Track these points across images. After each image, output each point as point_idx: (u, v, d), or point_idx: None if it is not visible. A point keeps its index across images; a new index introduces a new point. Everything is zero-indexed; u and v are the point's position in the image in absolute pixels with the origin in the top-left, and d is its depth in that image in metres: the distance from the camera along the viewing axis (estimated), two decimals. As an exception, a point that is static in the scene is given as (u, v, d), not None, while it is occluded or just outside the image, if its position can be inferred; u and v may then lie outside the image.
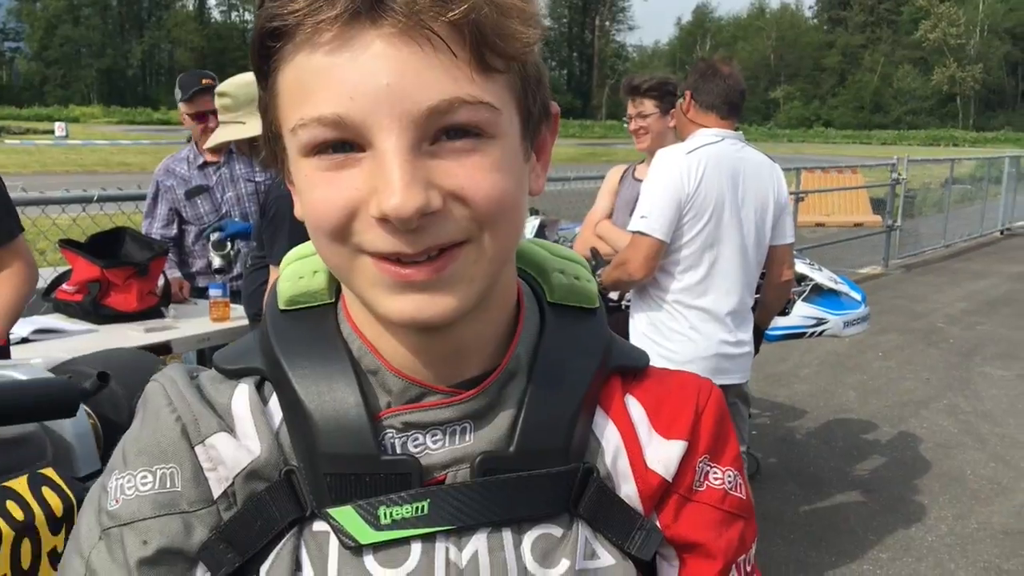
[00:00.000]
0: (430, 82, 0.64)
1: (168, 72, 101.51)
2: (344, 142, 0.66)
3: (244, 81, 3.52)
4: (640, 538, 0.78)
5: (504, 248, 0.71)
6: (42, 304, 3.95)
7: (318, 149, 0.66)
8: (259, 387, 0.79)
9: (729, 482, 0.82)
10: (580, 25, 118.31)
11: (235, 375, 0.80)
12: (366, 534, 0.72)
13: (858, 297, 5.45)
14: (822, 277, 5.46)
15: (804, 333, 5.25)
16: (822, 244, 12.67)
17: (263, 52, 0.69)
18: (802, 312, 5.21)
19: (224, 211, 4.42)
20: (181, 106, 4.40)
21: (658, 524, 0.80)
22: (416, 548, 0.73)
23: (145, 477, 0.75)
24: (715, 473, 0.82)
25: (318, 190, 0.67)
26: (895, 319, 9.08)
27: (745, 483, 0.85)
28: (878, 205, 16.14)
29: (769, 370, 7.05)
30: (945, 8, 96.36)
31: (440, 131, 0.65)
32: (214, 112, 4.25)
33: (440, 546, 0.74)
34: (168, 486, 0.75)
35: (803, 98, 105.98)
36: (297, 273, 0.83)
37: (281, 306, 0.82)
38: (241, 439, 0.76)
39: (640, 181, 3.76)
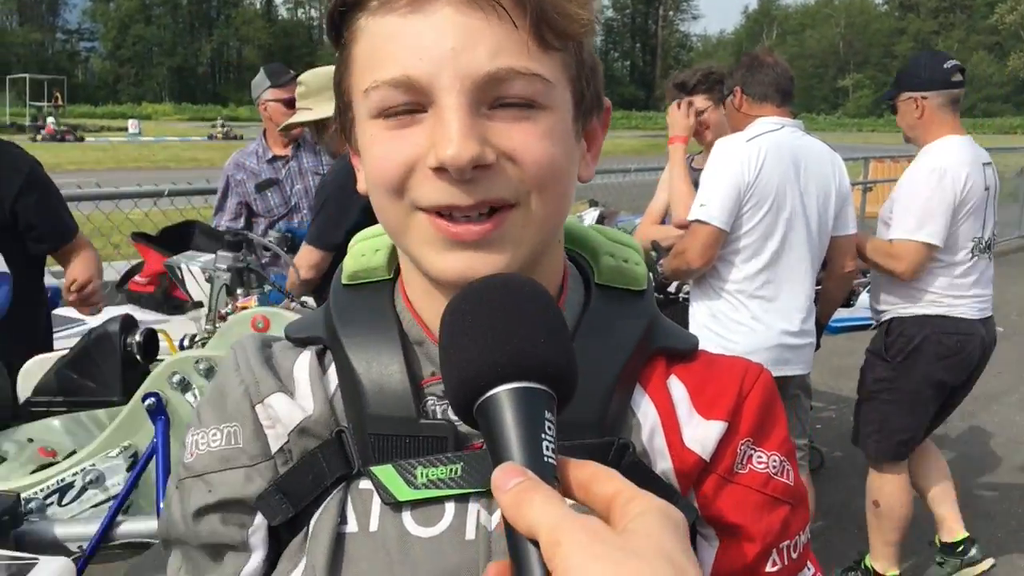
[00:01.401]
0: (491, 50, 0.69)
1: (236, 69, 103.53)
2: (410, 105, 0.71)
3: (318, 72, 3.72)
4: None
5: (551, 215, 0.75)
6: (116, 295, 4.09)
7: (386, 111, 0.72)
8: (320, 355, 0.87)
9: (774, 466, 0.83)
10: (644, 16, 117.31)
11: (301, 343, 0.88)
12: (403, 491, 0.77)
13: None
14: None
15: (869, 325, 5.15)
16: (891, 235, 12.36)
17: (337, 21, 0.76)
18: (866, 303, 5.11)
19: (293, 203, 4.51)
20: (269, 92, 4.50)
21: (694, 503, 0.82)
22: (450, 508, 0.78)
23: (215, 434, 0.84)
24: (759, 456, 0.83)
25: (380, 146, 0.73)
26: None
27: (795, 470, 0.85)
28: (951, 195, 15.69)
29: (835, 363, 6.93)
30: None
31: (497, 100, 0.70)
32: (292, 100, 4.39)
33: (472, 507, 0.78)
34: (232, 443, 0.83)
35: (873, 86, 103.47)
36: (361, 251, 0.89)
37: (344, 281, 0.89)
38: (297, 399, 0.83)
39: (699, 171, 3.73)
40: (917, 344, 3.52)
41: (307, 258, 3.31)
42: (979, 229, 3.49)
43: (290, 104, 4.40)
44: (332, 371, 0.85)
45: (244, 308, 2.66)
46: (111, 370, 2.35)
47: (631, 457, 0.79)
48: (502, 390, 0.59)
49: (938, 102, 3.48)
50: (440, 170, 0.69)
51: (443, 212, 0.72)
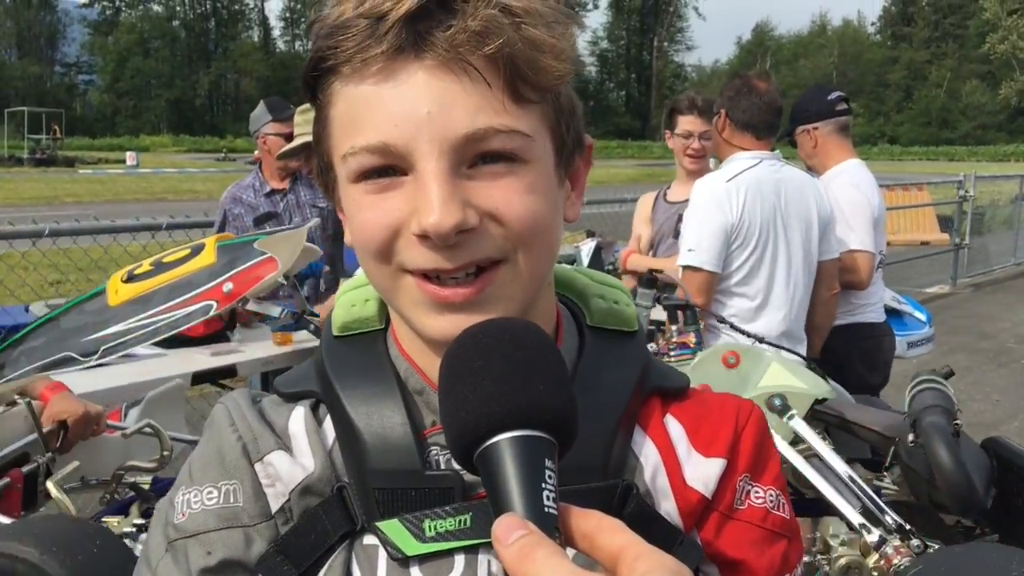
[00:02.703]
0: (467, 111, 0.69)
1: (234, 101, 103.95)
2: (388, 168, 0.71)
3: None
4: (680, 554, 0.79)
5: (539, 268, 0.76)
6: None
7: (365, 175, 0.72)
8: (315, 409, 0.85)
9: (771, 501, 0.84)
10: (639, 46, 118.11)
11: (293, 398, 0.86)
12: (412, 546, 0.75)
13: (922, 318, 5.34)
14: (888, 297, 5.36)
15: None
16: (888, 263, 12.33)
17: (312, 84, 0.76)
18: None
19: (288, 236, 4.52)
20: (270, 126, 4.50)
21: (698, 541, 0.82)
22: (460, 560, 0.77)
23: (211, 492, 0.80)
24: (756, 492, 0.83)
25: (364, 213, 0.73)
26: (964, 339, 8.86)
27: (788, 503, 0.86)
28: (945, 223, 15.77)
29: (832, 392, 6.92)
30: (1013, 20, 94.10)
31: (477, 156, 0.71)
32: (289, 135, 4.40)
33: (483, 558, 0.77)
34: (231, 501, 0.80)
35: (867, 115, 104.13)
36: (350, 302, 0.88)
37: (335, 332, 0.87)
38: (297, 456, 0.81)
39: (673, 204, 3.75)
40: (845, 354, 3.58)
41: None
42: (881, 242, 3.78)
43: (290, 138, 4.44)
44: (327, 425, 0.84)
45: None
46: None
47: (636, 499, 0.79)
48: (502, 438, 0.58)
49: (828, 130, 3.75)
50: (424, 237, 0.70)
51: (430, 275, 0.72)
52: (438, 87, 0.69)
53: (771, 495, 0.84)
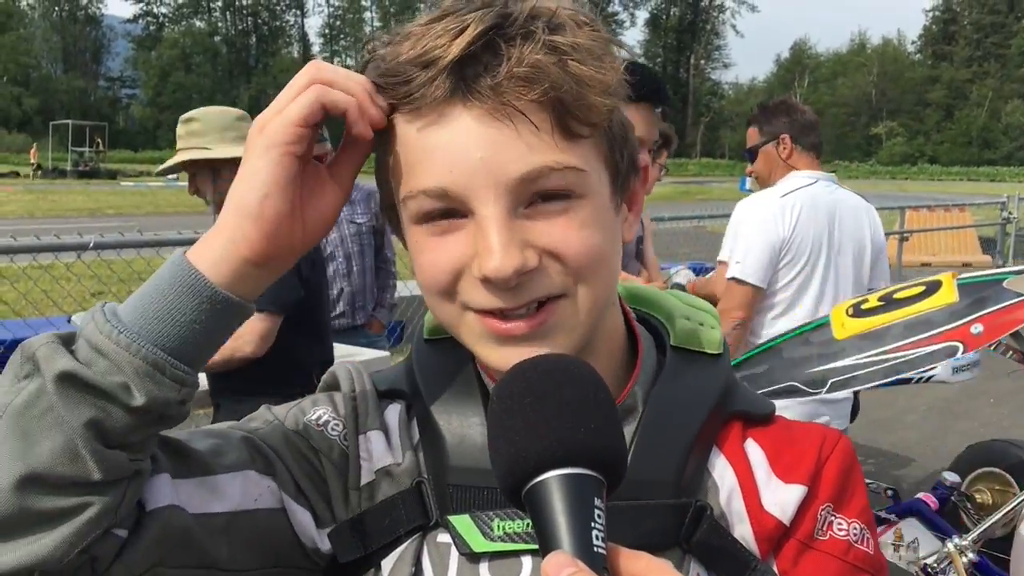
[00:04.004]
0: (519, 153, 0.70)
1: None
2: (449, 210, 0.73)
3: (211, 110, 3.37)
4: None
5: (599, 299, 0.77)
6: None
7: (426, 217, 0.74)
8: (408, 407, 0.90)
9: (855, 534, 0.82)
10: (675, 64, 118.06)
11: (386, 396, 0.91)
12: (479, 542, 0.78)
13: (966, 341, 5.24)
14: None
15: (911, 379, 5.07)
16: (928, 285, 12.21)
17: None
18: (907, 356, 5.04)
19: (328, 252, 4.54)
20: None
21: (774, 569, 0.81)
22: (527, 563, 0.78)
23: (335, 420, 0.87)
24: (839, 523, 0.82)
25: (427, 254, 0.75)
26: (1007, 363, 8.68)
27: (874, 539, 0.84)
28: (988, 244, 15.57)
29: (873, 415, 6.83)
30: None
31: (534, 195, 0.72)
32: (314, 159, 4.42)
33: None
34: (342, 437, 0.87)
35: (906, 134, 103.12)
36: None
37: (426, 335, 0.92)
38: (391, 444, 0.86)
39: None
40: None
41: (256, 329, 2.90)
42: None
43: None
44: (414, 425, 0.88)
45: None
46: None
47: (709, 519, 0.78)
48: (551, 476, 0.58)
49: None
50: (486, 280, 0.72)
51: (493, 312, 0.74)
52: (487, 133, 0.70)
53: (855, 528, 0.82)
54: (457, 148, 0.71)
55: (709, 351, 0.88)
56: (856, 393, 3.48)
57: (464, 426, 0.82)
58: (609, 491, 0.60)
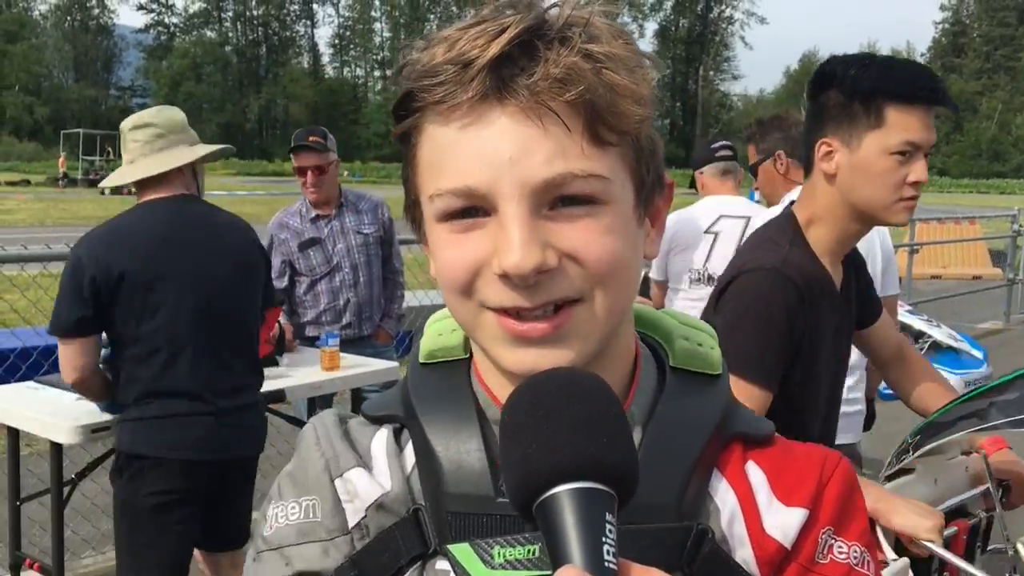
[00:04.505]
0: (547, 156, 0.71)
1: (283, 126, 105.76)
2: (472, 209, 0.74)
3: (164, 109, 3.22)
4: None
5: (616, 307, 0.77)
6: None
7: (450, 215, 0.75)
8: (397, 433, 0.88)
9: (855, 558, 0.81)
10: (684, 75, 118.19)
11: (377, 421, 0.90)
12: (480, 571, 0.75)
13: (979, 356, 5.23)
14: (941, 334, 5.25)
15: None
16: (939, 297, 12.20)
17: (401, 118, 0.79)
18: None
19: (335, 262, 4.55)
20: (292, 157, 4.58)
21: None
22: None
23: (294, 507, 0.85)
24: (840, 547, 0.81)
25: (449, 251, 0.76)
26: (1018, 377, 8.64)
27: (875, 561, 0.83)
28: (998, 257, 15.51)
29: (883, 429, 6.77)
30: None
31: (556, 199, 0.73)
32: (314, 168, 4.41)
33: None
34: (311, 516, 0.84)
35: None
36: (438, 331, 0.92)
37: (421, 360, 0.91)
38: (376, 476, 0.84)
39: None
40: None
41: (61, 356, 2.93)
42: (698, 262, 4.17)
43: (301, 172, 4.51)
44: (409, 449, 0.86)
45: None
46: None
47: (711, 543, 0.77)
48: (563, 490, 0.58)
49: (712, 172, 4.37)
50: (504, 276, 0.72)
51: (510, 311, 0.74)
52: (520, 133, 0.71)
53: (855, 551, 0.81)
54: (488, 147, 0.72)
55: (709, 372, 0.87)
56: (872, 402, 3.46)
57: (462, 452, 0.81)
58: (620, 506, 0.60)
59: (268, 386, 3.72)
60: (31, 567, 3.76)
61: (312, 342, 4.54)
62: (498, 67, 0.71)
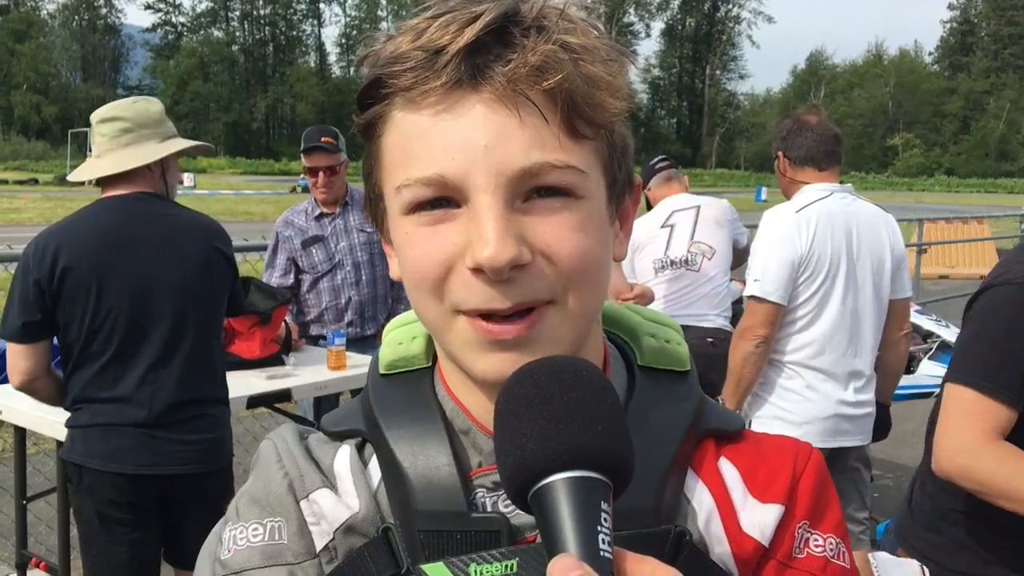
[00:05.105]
0: (523, 145, 0.69)
1: (290, 125, 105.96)
2: (442, 199, 0.71)
3: (137, 105, 3.01)
4: None
5: (588, 308, 0.75)
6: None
7: (419, 207, 0.72)
8: (360, 448, 0.84)
9: (831, 550, 0.80)
10: (690, 75, 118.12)
11: (338, 437, 0.86)
12: None
13: (988, 356, 5.19)
14: (950, 334, 5.24)
15: (931, 393, 5.03)
16: (947, 297, 12.17)
17: (365, 107, 0.76)
18: (929, 371, 5.00)
19: (337, 260, 4.54)
20: (303, 157, 4.56)
21: None
22: None
23: (256, 529, 0.80)
24: (816, 540, 0.80)
25: (418, 247, 0.72)
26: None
27: (848, 552, 0.82)
28: (1006, 257, 15.43)
29: (893, 429, 6.77)
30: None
31: (531, 190, 0.70)
32: (326, 168, 4.40)
33: None
34: (276, 538, 0.79)
35: (923, 145, 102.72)
36: (397, 339, 0.88)
37: (381, 371, 0.87)
38: (342, 496, 0.80)
39: None
40: None
41: (8, 360, 2.81)
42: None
43: (313, 172, 4.48)
44: (373, 465, 0.83)
45: None
46: None
47: (689, 546, 0.76)
48: (558, 479, 0.58)
49: (657, 182, 4.77)
50: (477, 270, 0.69)
51: (482, 314, 0.71)
52: (495, 120, 0.69)
53: (831, 543, 0.81)
54: (462, 134, 0.69)
55: (678, 369, 0.86)
56: (887, 408, 3.44)
57: (431, 467, 0.77)
58: (616, 495, 0.60)
59: (274, 385, 3.71)
60: (37, 566, 3.76)
61: (317, 341, 4.53)
62: (472, 54, 0.68)
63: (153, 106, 2.99)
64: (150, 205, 2.90)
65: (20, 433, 3.78)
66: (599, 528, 0.56)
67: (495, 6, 0.70)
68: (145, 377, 2.78)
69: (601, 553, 0.55)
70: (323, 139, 4.46)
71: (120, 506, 2.82)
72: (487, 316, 0.71)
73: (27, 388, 2.85)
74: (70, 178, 3.18)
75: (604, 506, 0.57)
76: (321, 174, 4.45)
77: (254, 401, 3.63)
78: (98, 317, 2.74)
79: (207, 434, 2.91)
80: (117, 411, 2.77)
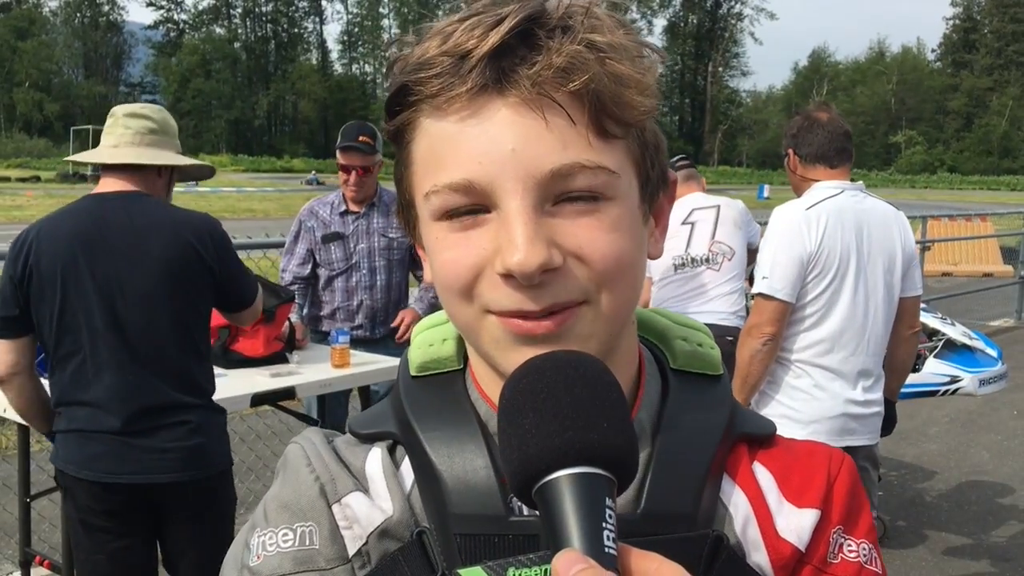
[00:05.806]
0: (551, 148, 0.68)
1: (292, 122, 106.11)
2: (472, 206, 0.70)
3: (162, 109, 3.07)
4: None
5: (621, 308, 0.74)
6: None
7: (448, 214, 0.71)
8: (391, 451, 0.83)
9: (864, 555, 0.80)
10: (693, 71, 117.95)
11: (368, 439, 0.84)
12: None
13: (994, 354, 5.18)
14: (956, 332, 5.21)
15: (937, 391, 5.02)
16: (950, 295, 12.15)
17: (394, 118, 0.75)
18: (934, 369, 4.98)
19: (354, 261, 4.51)
20: (337, 154, 4.49)
21: None
22: None
23: (286, 534, 0.78)
24: (849, 545, 0.80)
25: (448, 252, 0.72)
26: (1031, 376, 8.58)
27: (879, 556, 0.82)
28: (1009, 254, 15.44)
29: (897, 427, 6.76)
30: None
31: (561, 193, 0.69)
32: (360, 168, 4.36)
33: None
34: (307, 543, 0.77)
35: (926, 142, 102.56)
36: (427, 341, 0.87)
37: (412, 373, 0.86)
38: (375, 499, 0.79)
39: None
40: None
41: None
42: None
43: (346, 170, 4.44)
44: (405, 467, 0.81)
45: None
46: None
47: (727, 550, 0.75)
48: (563, 474, 0.57)
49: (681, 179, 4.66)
50: (508, 276, 0.68)
51: (514, 314, 0.71)
52: (522, 124, 0.68)
53: (864, 548, 0.80)
54: (489, 139, 0.68)
55: (711, 372, 0.85)
56: (893, 405, 3.43)
57: (467, 469, 0.76)
58: (620, 490, 0.59)
59: (278, 383, 3.70)
60: (41, 564, 3.75)
61: (326, 337, 4.51)
62: (497, 57, 0.68)
63: (172, 120, 3.06)
64: (129, 204, 2.79)
65: (24, 431, 3.77)
66: (604, 524, 0.56)
67: (520, 7, 0.69)
68: (116, 382, 2.70)
69: (606, 550, 0.55)
70: (360, 138, 4.39)
71: (99, 513, 2.79)
72: (519, 315, 0.71)
73: (5, 382, 2.80)
74: (77, 158, 3.19)
75: (609, 502, 0.57)
76: (353, 173, 4.40)
77: (258, 399, 3.61)
78: (65, 316, 2.69)
79: (184, 442, 2.78)
80: (92, 417, 2.72)
